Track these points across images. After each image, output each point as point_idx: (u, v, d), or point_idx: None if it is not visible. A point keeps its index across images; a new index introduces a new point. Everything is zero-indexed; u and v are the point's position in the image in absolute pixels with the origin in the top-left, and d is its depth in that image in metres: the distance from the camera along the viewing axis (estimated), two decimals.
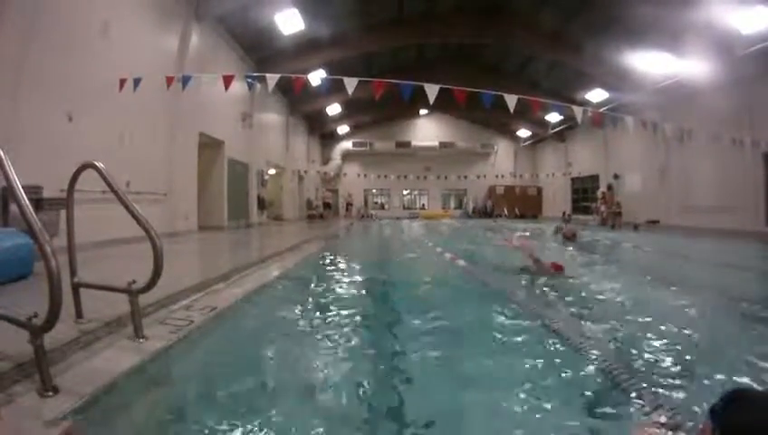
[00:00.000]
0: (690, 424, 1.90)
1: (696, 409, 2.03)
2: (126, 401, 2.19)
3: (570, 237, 10.84)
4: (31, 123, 6.46)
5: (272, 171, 21.15)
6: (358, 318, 3.82)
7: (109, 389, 2.19)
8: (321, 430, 1.97)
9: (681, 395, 2.29)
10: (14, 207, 4.97)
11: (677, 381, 2.49)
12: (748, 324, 3.82)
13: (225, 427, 2.00)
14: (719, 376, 2.49)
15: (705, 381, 2.46)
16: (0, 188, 5.48)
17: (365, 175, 30.00)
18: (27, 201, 2.08)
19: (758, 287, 6.21)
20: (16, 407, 1.93)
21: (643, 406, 2.14)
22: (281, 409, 2.15)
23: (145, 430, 2.02)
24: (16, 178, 2.16)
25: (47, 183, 5.93)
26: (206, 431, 1.97)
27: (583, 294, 5.02)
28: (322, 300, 4.64)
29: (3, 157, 2.23)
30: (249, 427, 1.99)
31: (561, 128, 25.46)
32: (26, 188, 2.17)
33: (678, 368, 2.70)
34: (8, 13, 6.14)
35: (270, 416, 2.07)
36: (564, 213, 18.57)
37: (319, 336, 3.32)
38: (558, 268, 5.79)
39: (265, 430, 1.96)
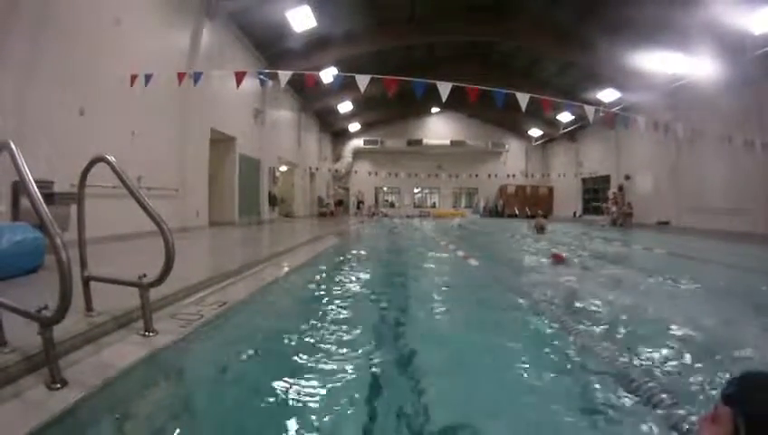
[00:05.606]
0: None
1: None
2: (133, 395, 2.21)
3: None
4: (43, 118, 6.53)
5: (283, 168, 21.23)
6: (370, 320, 3.75)
7: (116, 382, 2.21)
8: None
9: None
10: (25, 202, 5.03)
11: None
12: None
13: (231, 421, 2.00)
14: None
15: None
16: (12, 182, 5.58)
17: (376, 173, 29.93)
18: (39, 195, 2.10)
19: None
20: (24, 399, 1.95)
21: None
22: (291, 407, 2.14)
23: (151, 424, 2.03)
24: (28, 173, 2.18)
25: (58, 178, 5.99)
26: (213, 426, 1.98)
27: None
28: (331, 298, 4.61)
29: (15, 151, 2.26)
30: (258, 422, 1.99)
31: (572, 128, 25.24)
32: (38, 183, 2.18)
33: None
34: (20, 7, 6.20)
35: (280, 415, 2.06)
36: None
37: (325, 333, 3.30)
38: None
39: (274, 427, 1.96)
